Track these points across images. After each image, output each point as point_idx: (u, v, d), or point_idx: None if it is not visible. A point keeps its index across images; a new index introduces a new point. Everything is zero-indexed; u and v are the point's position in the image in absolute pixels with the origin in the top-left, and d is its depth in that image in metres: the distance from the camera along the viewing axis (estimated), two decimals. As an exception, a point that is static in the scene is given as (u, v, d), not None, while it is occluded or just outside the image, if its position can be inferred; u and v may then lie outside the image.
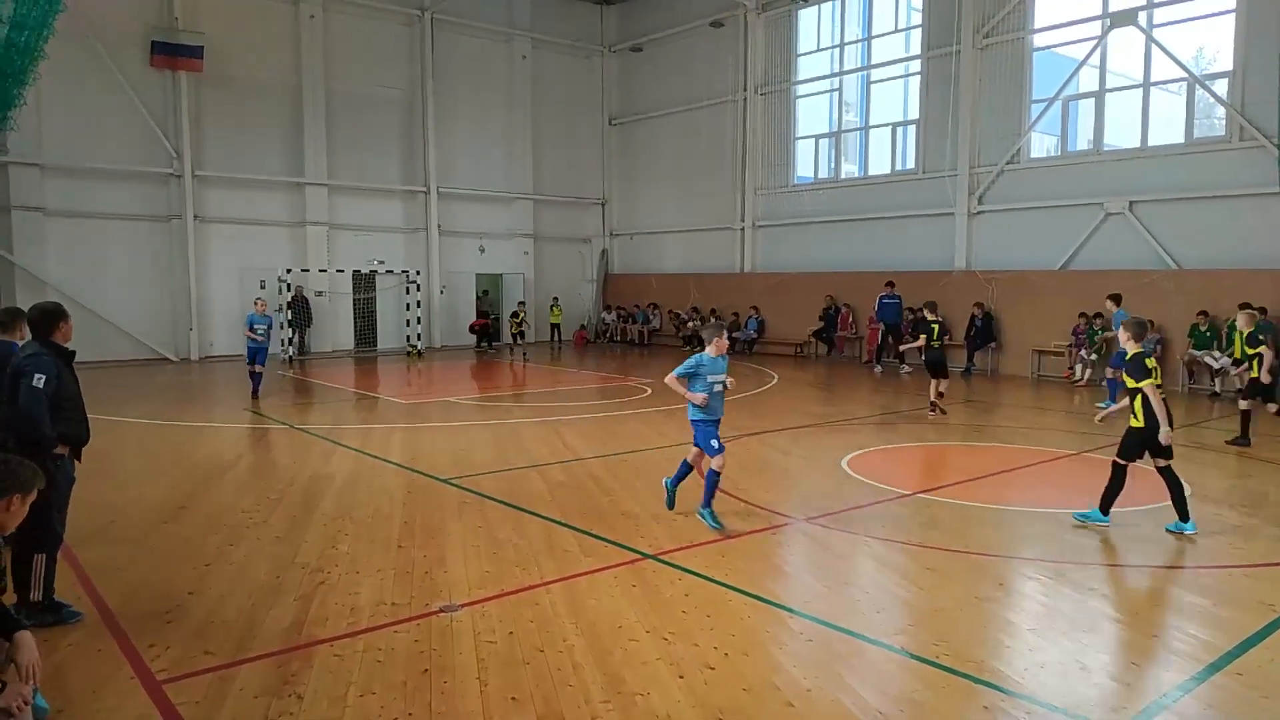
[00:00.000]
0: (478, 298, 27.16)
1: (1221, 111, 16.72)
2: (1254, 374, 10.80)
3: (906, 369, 18.92)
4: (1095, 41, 17.98)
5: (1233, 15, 16.13)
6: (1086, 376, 17.10)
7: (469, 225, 26.34)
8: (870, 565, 6.43)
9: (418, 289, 24.30)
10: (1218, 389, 15.46)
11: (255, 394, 14.61)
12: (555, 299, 28.18)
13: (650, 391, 15.79)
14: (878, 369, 19.52)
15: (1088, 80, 18.70)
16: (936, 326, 12.91)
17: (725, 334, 7.24)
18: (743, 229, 25.16)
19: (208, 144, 21.74)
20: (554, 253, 28.58)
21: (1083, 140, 19.19)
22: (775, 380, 17.83)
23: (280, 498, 8.08)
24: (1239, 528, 7.37)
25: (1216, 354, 15.40)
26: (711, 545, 6.63)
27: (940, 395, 13.03)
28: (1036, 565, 6.37)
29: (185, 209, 21.30)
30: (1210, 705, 4.24)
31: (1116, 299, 14.23)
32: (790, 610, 5.40)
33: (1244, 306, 11.51)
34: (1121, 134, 18.53)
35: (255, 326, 14.72)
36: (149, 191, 21.15)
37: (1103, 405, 12.08)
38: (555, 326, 28.07)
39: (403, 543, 6.70)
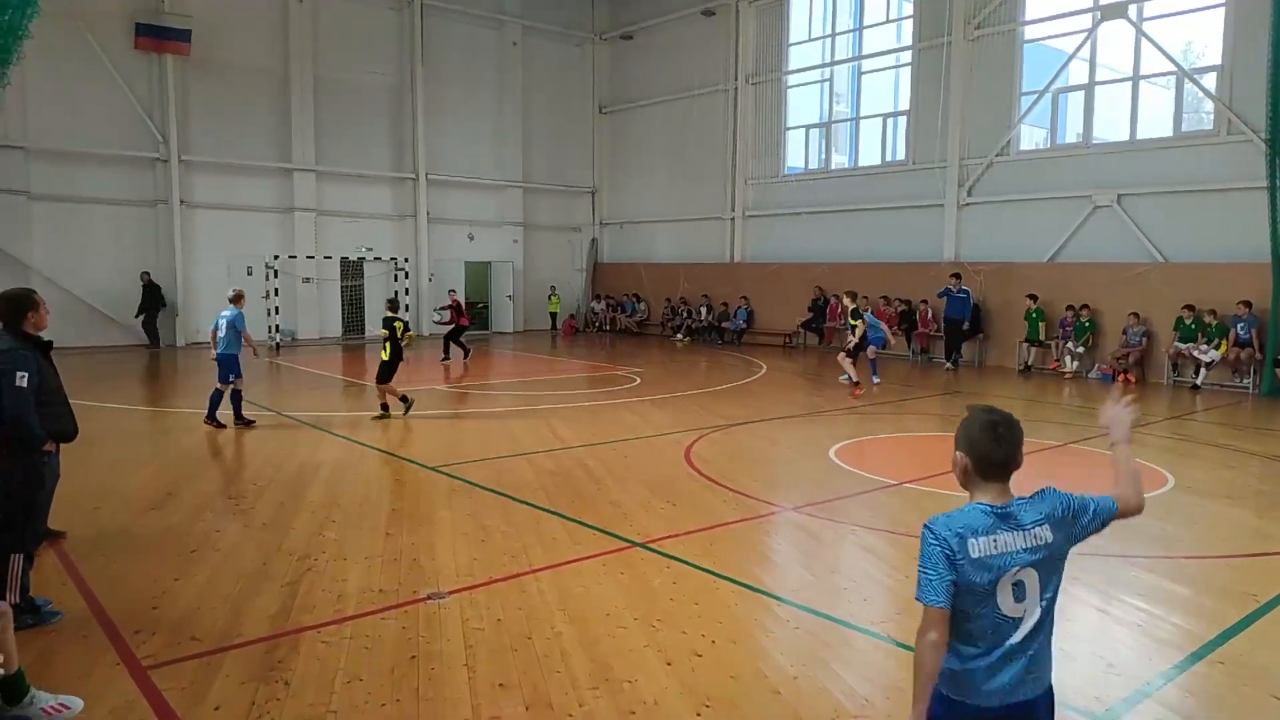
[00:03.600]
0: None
1: (1210, 105, 16.77)
2: (856, 341, 14.16)
3: (948, 367, 18.29)
4: (1085, 34, 18.01)
5: (1222, 9, 16.17)
6: (1074, 368, 17.20)
7: (458, 213, 26.23)
8: (857, 554, 6.46)
9: (406, 276, 24.19)
10: (1198, 382, 15.55)
11: (240, 417, 11.01)
12: (553, 288, 28.20)
13: (639, 381, 15.79)
14: (948, 367, 18.26)
15: (1077, 73, 18.74)
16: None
17: None
18: (733, 219, 25.13)
19: (194, 128, 21.54)
20: (544, 241, 28.51)
21: (1072, 133, 19.23)
22: (764, 370, 17.86)
23: (267, 485, 8.04)
24: (1222, 518, 7.45)
25: (1204, 347, 15.49)
26: (700, 534, 6.64)
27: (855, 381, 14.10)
28: (1022, 555, 6.40)
29: (171, 194, 21.12)
30: (1191, 693, 4.29)
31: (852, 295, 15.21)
32: (778, 598, 5.42)
33: (849, 292, 14.91)
34: (1110, 127, 18.58)
35: (239, 329, 11.10)
36: (134, 176, 20.96)
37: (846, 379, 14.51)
38: (553, 315, 28.11)
39: (391, 530, 6.68)
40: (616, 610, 5.12)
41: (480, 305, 27.64)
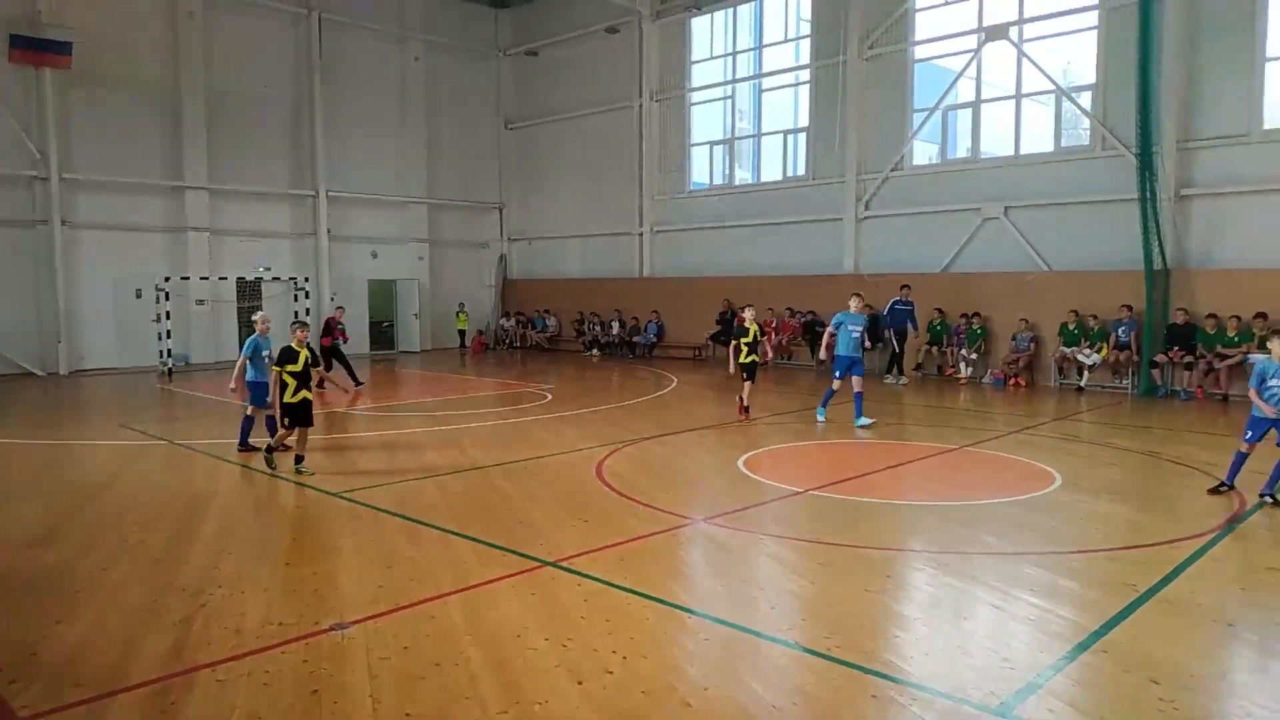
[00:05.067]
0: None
1: (1087, 122, 17.79)
2: (755, 358, 13.01)
3: (903, 381, 17.92)
4: (971, 54, 18.90)
5: (1095, 32, 17.22)
6: (968, 374, 17.93)
7: (361, 230, 25.68)
8: (766, 562, 6.56)
9: (306, 296, 23.51)
10: (1082, 383, 16.43)
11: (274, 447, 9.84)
12: (462, 305, 27.84)
13: (550, 397, 15.72)
14: (903, 380, 17.84)
15: (966, 91, 19.63)
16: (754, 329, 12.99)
17: None
18: (641, 234, 25.35)
19: (77, 145, 20.49)
20: (451, 258, 28.15)
21: (962, 148, 20.11)
22: (675, 384, 18.02)
23: (159, 518, 7.67)
24: (1105, 514, 7.86)
25: (1087, 350, 16.37)
26: (611, 550, 6.64)
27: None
28: (922, 556, 6.64)
29: (51, 214, 20.02)
30: (1079, 682, 4.50)
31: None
32: (689, 611, 5.46)
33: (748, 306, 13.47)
34: (997, 143, 19.51)
35: (264, 354, 10.22)
36: (11, 195, 19.78)
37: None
38: (462, 333, 27.75)
39: (291, 560, 6.47)
40: (527, 631, 5.08)
41: (386, 324, 27.13)
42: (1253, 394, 8.05)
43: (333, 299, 24.57)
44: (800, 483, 8.88)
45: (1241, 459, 8.09)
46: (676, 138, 24.70)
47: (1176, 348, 15.48)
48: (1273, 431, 7.91)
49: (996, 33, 18.46)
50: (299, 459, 9.49)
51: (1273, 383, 7.90)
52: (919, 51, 20.05)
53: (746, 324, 12.96)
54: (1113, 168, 16.78)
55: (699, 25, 24.41)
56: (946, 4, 19.39)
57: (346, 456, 10.56)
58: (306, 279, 23.79)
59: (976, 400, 15.63)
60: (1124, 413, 14.07)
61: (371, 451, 11.03)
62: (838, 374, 12.57)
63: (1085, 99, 17.66)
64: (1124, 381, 16.28)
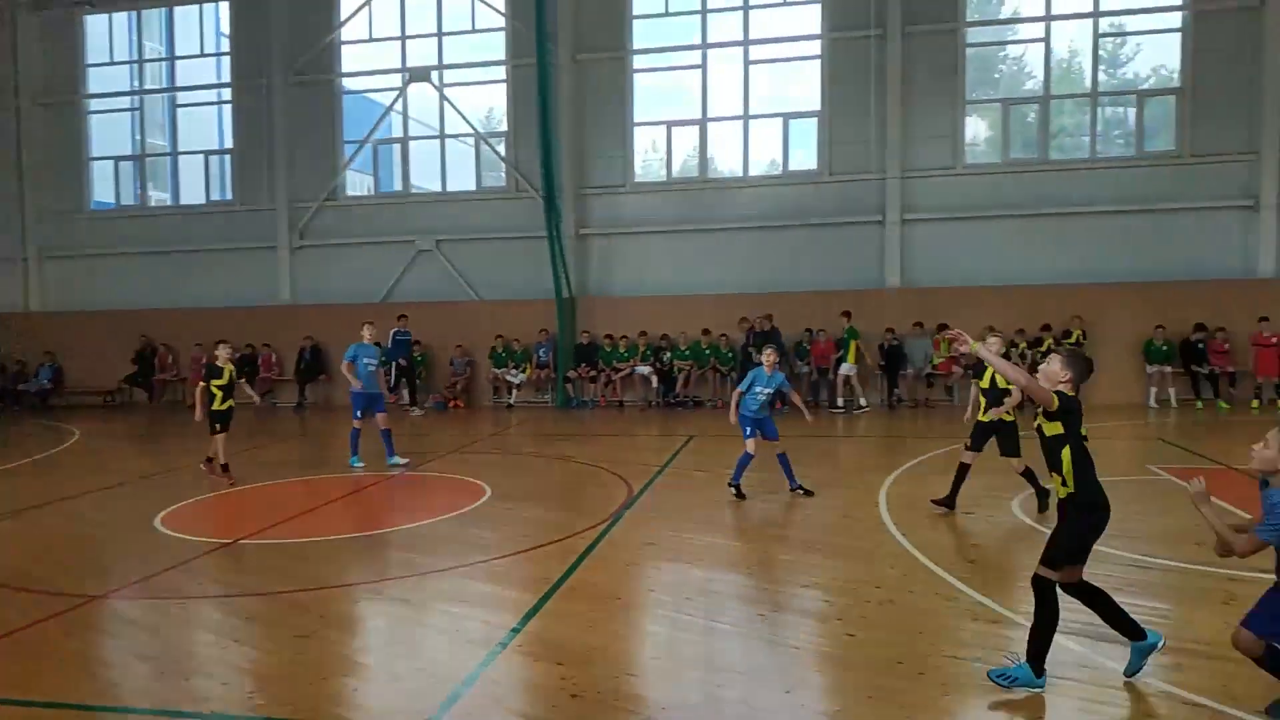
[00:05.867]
0: None
1: (504, 165, 19.66)
2: (232, 403, 11.08)
3: (418, 410, 17.70)
4: (398, 92, 19.59)
5: (504, 85, 19.13)
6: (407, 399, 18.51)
7: None
8: (184, 629, 5.88)
9: None
10: (511, 401, 18.17)
11: None
12: None
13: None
14: (419, 412, 17.64)
15: (400, 126, 20.22)
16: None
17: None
18: (25, 260, 21.15)
19: None
20: None
21: (396, 181, 20.68)
22: (76, 437, 15.31)
23: None
24: (526, 517, 8.69)
25: (514, 371, 18.09)
26: (-32, 653, 5.33)
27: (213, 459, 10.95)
28: (358, 589, 6.59)
29: None
30: (497, 680, 4.86)
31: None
32: (83, 707, 4.62)
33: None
34: (428, 178, 20.50)
35: None
36: None
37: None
38: None
39: None
40: None
41: None
42: (735, 394, 9.18)
43: None
44: (229, 533, 8.18)
45: (747, 459, 8.94)
46: (70, 150, 21.17)
47: (583, 364, 17.97)
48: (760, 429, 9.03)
49: (420, 74, 19.43)
50: None
51: (758, 390, 8.98)
52: (348, 84, 20.15)
53: (220, 363, 10.91)
54: (526, 208, 18.81)
55: (95, 24, 21.31)
56: (371, 41, 19.83)
57: None
58: None
59: (419, 424, 16.16)
60: (546, 423, 15.84)
61: None
62: (358, 414, 11.47)
63: (502, 145, 19.50)
64: (545, 396, 18.36)
